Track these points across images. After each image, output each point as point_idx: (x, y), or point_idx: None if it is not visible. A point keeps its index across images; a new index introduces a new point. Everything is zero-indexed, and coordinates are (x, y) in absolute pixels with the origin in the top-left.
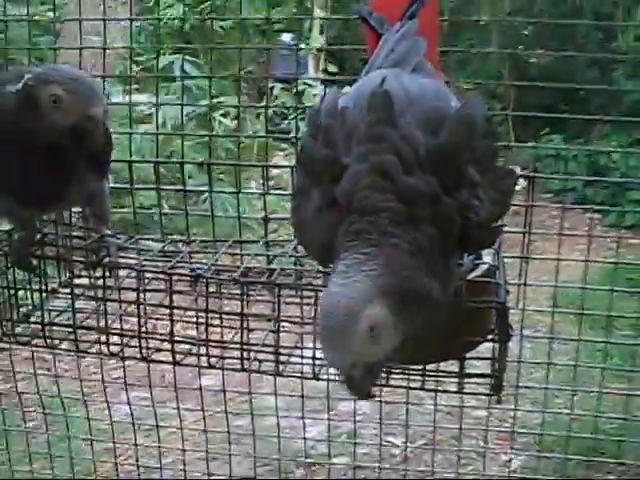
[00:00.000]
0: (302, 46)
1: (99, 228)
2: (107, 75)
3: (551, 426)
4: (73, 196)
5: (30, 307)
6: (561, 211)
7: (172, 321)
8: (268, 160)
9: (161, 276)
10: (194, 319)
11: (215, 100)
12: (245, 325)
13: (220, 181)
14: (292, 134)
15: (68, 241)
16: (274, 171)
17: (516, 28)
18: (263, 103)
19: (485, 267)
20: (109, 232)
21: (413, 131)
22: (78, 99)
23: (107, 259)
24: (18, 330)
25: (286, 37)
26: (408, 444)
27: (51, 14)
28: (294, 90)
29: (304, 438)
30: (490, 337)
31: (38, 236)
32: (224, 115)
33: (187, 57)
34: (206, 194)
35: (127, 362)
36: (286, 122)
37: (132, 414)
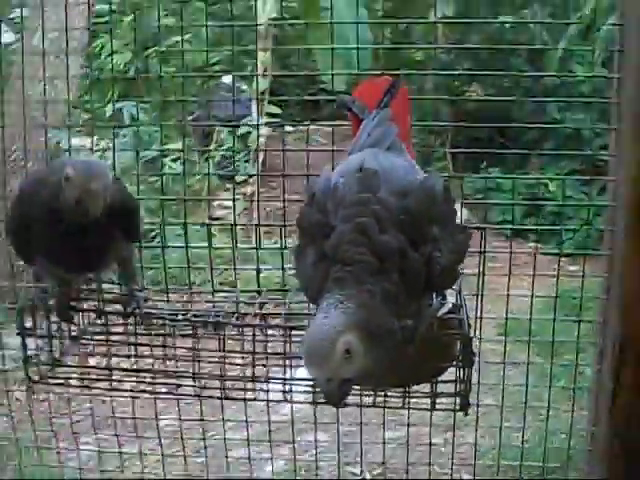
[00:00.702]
0: (245, 88)
1: (129, 284)
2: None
3: (505, 449)
4: (109, 262)
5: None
6: (509, 250)
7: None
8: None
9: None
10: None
11: (163, 145)
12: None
13: (170, 224)
14: (238, 175)
15: (101, 295)
16: (219, 212)
17: (452, 63)
18: (209, 146)
19: (450, 306)
20: (137, 287)
21: (388, 197)
22: (81, 176)
23: (137, 310)
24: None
25: (226, 79)
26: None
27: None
28: (238, 133)
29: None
30: (455, 363)
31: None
32: (174, 160)
33: (132, 102)
34: (155, 234)
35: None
36: (233, 164)
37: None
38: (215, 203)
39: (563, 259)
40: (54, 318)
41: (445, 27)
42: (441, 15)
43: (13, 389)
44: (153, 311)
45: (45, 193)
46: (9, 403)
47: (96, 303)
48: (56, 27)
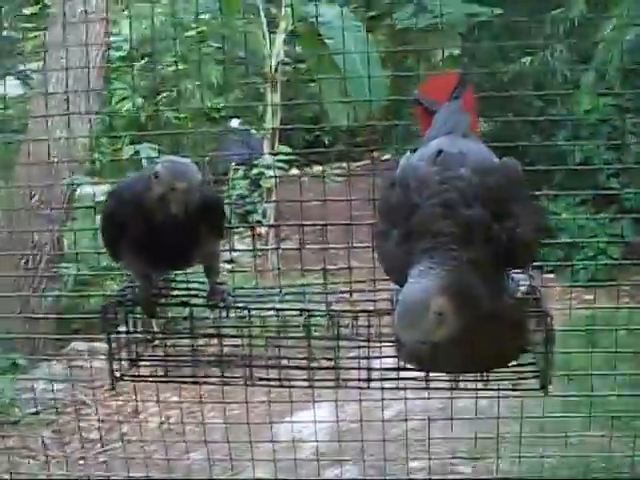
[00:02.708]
0: (254, 131)
1: (212, 279)
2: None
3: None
4: (195, 259)
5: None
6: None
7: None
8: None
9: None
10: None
11: None
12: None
13: None
14: (252, 217)
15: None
16: (233, 254)
17: None
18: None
19: (527, 285)
20: (220, 281)
21: (471, 175)
22: (168, 174)
23: (222, 303)
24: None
25: (234, 122)
26: None
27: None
28: (251, 172)
29: None
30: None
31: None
32: None
33: (149, 144)
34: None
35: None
36: (246, 205)
37: None
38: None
39: (577, 288)
40: (137, 315)
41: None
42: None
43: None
44: (239, 305)
45: (136, 190)
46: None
47: (180, 297)
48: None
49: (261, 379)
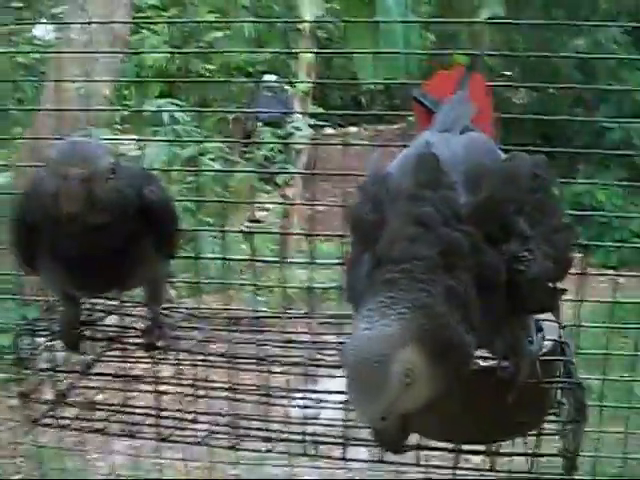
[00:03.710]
0: (287, 88)
1: (152, 309)
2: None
3: None
4: (133, 282)
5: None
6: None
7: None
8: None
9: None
10: None
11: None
12: None
13: (207, 224)
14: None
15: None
16: (259, 214)
17: (497, 68)
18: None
19: (550, 344)
20: (163, 311)
21: (453, 195)
22: (59, 158)
23: (161, 342)
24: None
25: (269, 77)
26: None
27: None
28: (282, 132)
29: None
30: (556, 415)
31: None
32: (212, 159)
33: (173, 100)
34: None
35: None
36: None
37: None
38: (255, 205)
39: (609, 270)
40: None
41: (492, 30)
42: (490, 15)
43: None
44: (181, 341)
45: (46, 187)
46: None
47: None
48: (96, 20)
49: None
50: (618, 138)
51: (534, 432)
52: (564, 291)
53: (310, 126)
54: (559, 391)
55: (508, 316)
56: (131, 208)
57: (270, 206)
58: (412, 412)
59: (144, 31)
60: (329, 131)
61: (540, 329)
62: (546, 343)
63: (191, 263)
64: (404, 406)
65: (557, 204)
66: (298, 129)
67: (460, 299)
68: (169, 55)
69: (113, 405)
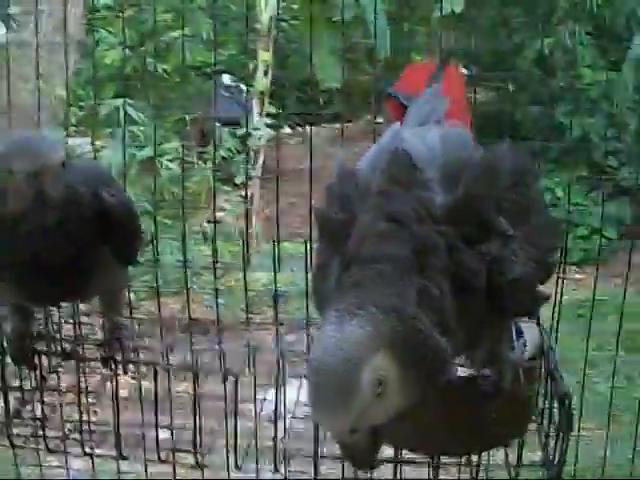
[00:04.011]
0: (244, 88)
1: (110, 321)
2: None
3: None
4: (93, 289)
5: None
6: None
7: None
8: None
9: None
10: None
11: (160, 145)
12: None
13: (166, 226)
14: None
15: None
16: (218, 214)
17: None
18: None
19: (529, 347)
20: (122, 323)
21: (426, 194)
22: (4, 153)
23: (118, 356)
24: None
25: (226, 79)
26: None
27: None
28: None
29: None
30: (538, 425)
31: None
32: (171, 160)
33: (129, 101)
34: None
35: None
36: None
37: None
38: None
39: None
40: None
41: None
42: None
43: None
44: (141, 355)
45: None
46: None
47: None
48: (50, 21)
49: None
50: (577, 136)
51: (516, 442)
52: (548, 297)
53: (268, 126)
54: (542, 399)
55: (488, 321)
56: (87, 210)
57: (227, 206)
58: (383, 424)
59: (100, 31)
60: (287, 131)
61: (521, 333)
62: (528, 349)
63: (150, 265)
64: (375, 417)
65: (541, 200)
66: (257, 129)
67: (435, 302)
68: (125, 55)
69: (69, 422)
